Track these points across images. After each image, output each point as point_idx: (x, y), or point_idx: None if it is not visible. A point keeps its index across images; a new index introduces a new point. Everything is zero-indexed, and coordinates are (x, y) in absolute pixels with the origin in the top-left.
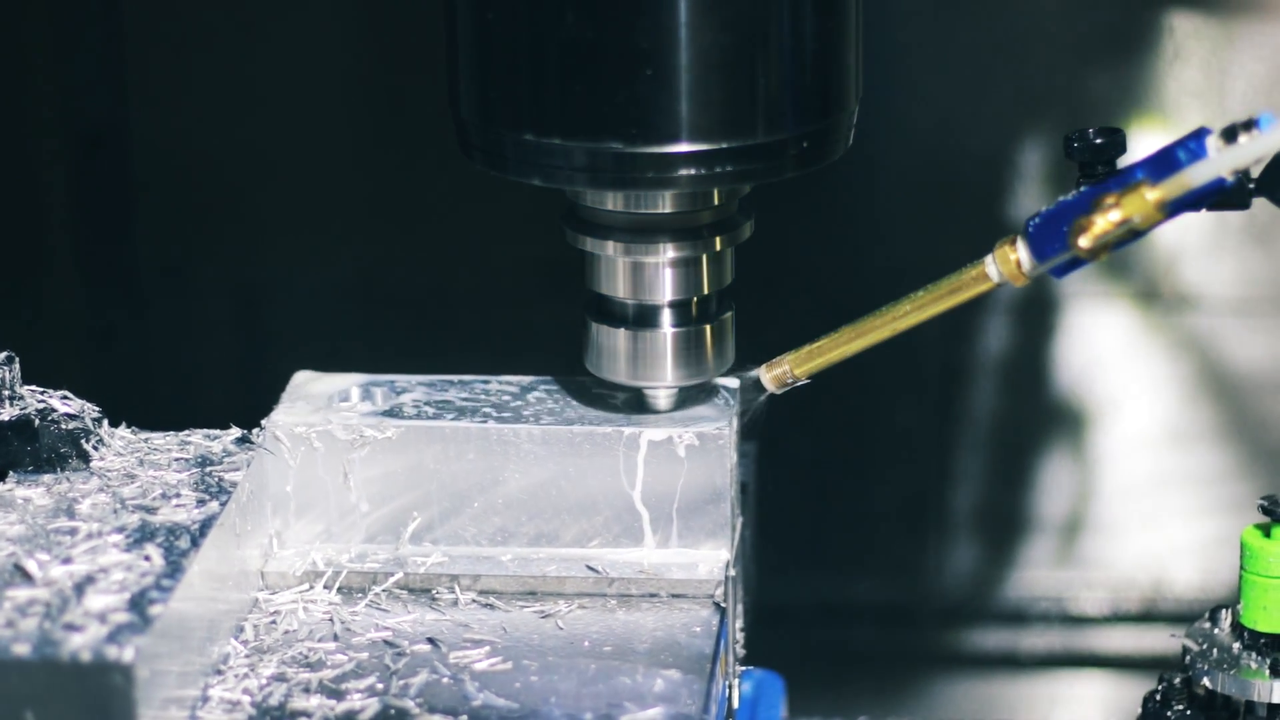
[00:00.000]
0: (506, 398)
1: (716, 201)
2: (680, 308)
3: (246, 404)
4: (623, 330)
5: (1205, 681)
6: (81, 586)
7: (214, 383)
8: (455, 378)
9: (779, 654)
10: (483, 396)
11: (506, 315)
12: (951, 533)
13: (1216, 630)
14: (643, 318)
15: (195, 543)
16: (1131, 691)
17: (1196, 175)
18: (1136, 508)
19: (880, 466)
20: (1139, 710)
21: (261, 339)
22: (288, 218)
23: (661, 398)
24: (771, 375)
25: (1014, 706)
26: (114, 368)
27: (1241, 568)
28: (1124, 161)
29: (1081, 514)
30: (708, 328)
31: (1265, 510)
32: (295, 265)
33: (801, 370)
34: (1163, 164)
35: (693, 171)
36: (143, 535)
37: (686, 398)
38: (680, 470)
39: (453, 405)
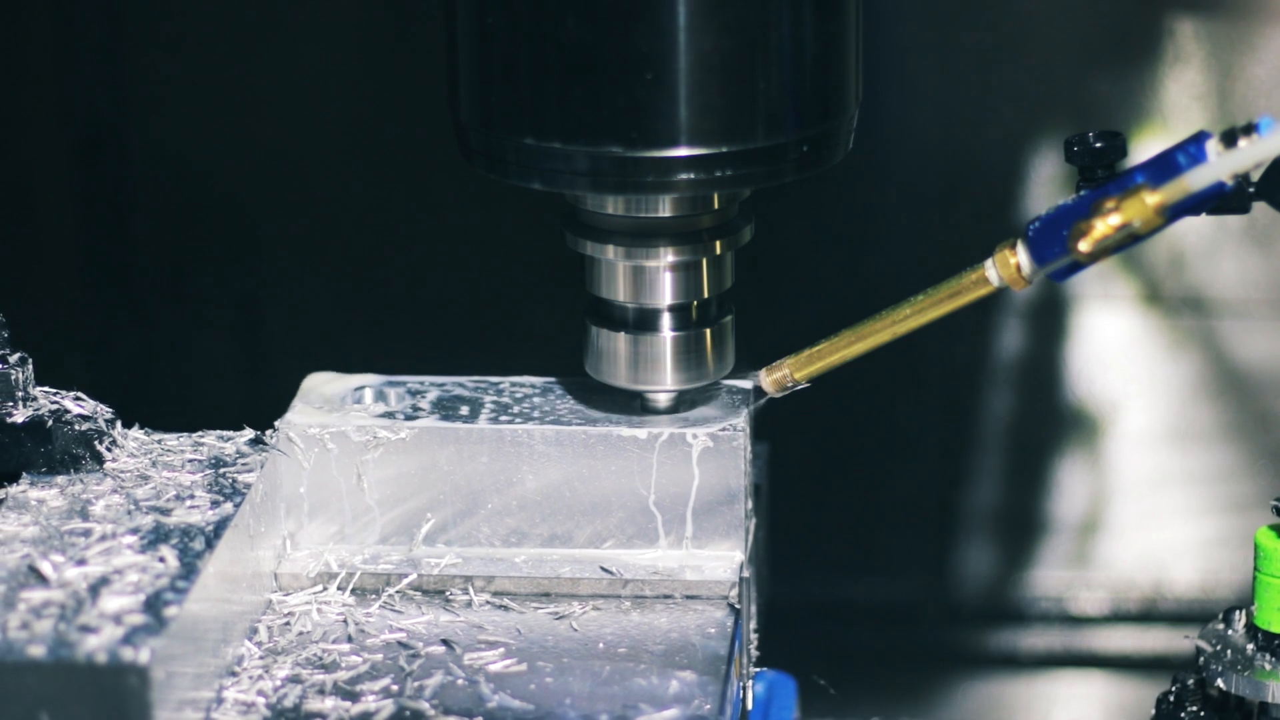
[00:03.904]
0: (520, 399)
1: (716, 205)
2: (680, 311)
3: (247, 404)
4: (622, 334)
5: (1219, 683)
6: (96, 588)
7: (214, 383)
8: (468, 379)
9: (789, 655)
10: (496, 397)
11: (506, 318)
12: (956, 533)
13: (1230, 632)
14: (642, 321)
15: (209, 544)
16: (1132, 691)
17: (1196, 179)
18: (1137, 508)
19: (888, 467)
20: (1152, 712)
21: (261, 340)
22: (288, 219)
23: (661, 400)
24: (771, 379)
25: (1014, 706)
26: (114, 369)
27: (1256, 569)
28: (1125, 165)
29: (1083, 514)
30: (708, 331)
31: (1279, 511)
32: (295, 267)
33: (801, 374)
34: (1162, 168)
35: (693, 175)
36: (157, 537)
37: (699, 399)
38: (694, 471)
39: (466, 406)
